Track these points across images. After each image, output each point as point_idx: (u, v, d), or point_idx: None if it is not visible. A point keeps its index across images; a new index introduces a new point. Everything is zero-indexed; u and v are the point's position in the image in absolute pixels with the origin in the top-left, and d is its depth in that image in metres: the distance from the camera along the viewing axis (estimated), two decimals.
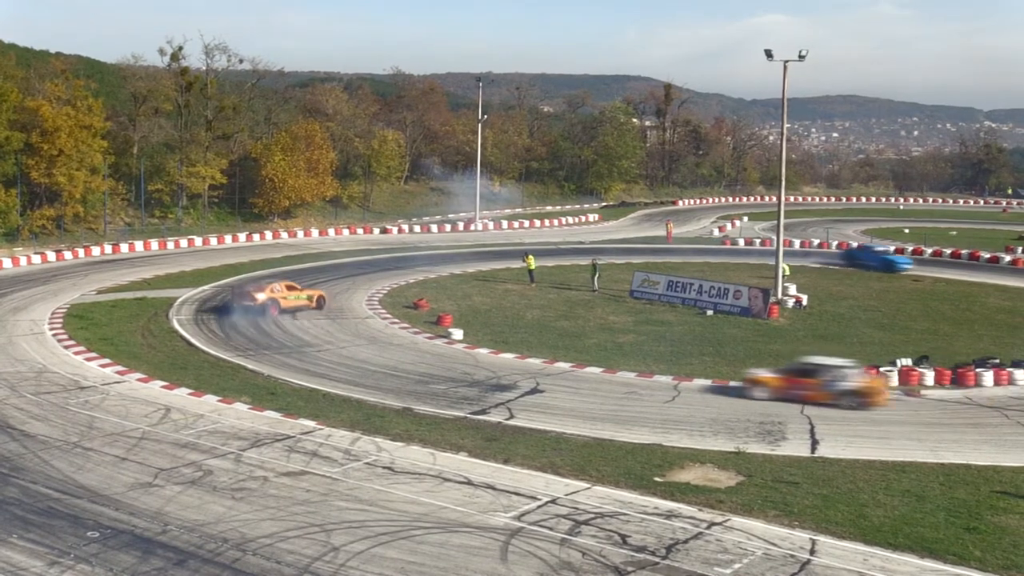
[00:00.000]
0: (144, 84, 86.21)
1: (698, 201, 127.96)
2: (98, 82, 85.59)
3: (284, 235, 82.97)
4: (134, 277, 59.98)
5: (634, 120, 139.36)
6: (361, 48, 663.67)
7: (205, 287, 56.70)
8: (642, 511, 24.23)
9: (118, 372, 37.81)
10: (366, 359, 41.00)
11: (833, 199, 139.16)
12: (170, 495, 24.59)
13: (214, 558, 20.90)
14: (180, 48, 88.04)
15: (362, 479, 26.18)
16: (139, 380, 36.44)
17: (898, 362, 39.87)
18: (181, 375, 37.39)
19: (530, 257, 61.95)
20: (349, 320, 48.98)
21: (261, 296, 49.14)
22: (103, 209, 78.15)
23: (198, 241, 77.14)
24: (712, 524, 23.51)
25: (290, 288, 51.06)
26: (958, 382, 38.62)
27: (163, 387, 35.44)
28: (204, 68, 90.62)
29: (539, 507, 24.28)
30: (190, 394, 34.57)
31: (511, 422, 32.22)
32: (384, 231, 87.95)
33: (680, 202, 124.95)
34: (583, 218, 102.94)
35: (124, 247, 72.54)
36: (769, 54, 53.11)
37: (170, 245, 74.95)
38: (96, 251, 70.29)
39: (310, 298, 51.09)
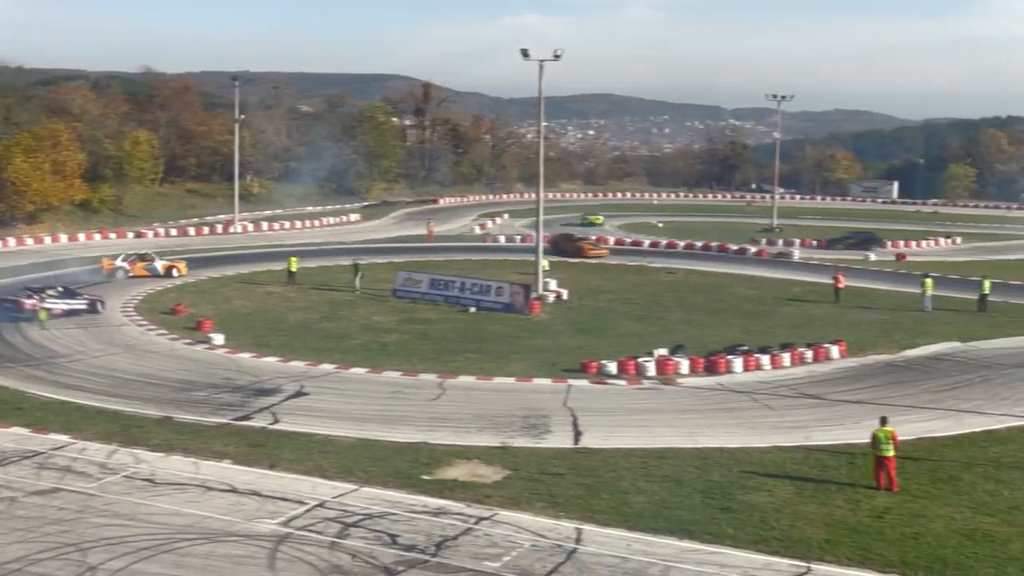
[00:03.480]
0: None
1: (459, 199, 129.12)
2: None
3: (30, 241, 78.73)
4: None
5: (393, 119, 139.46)
6: (109, 45, 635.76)
7: None
8: (411, 510, 24.21)
9: None
10: (122, 368, 39.41)
11: (591, 195, 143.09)
12: None
13: None
14: None
15: (121, 493, 25.13)
16: None
17: (655, 352, 41.25)
18: None
19: (292, 258, 61.07)
20: (103, 328, 47.02)
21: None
22: None
23: None
24: (480, 519, 23.71)
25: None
26: (711, 369, 40.35)
27: None
28: None
29: (307, 511, 23.92)
30: None
31: (276, 427, 31.63)
32: (139, 235, 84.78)
33: (441, 200, 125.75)
34: (344, 218, 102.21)
35: None
36: (525, 53, 54.04)
37: None
38: None
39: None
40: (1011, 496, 26.33)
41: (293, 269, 60.15)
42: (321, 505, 24.38)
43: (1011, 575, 21.53)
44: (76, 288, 52.47)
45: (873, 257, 78.71)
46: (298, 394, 35.65)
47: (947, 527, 23.95)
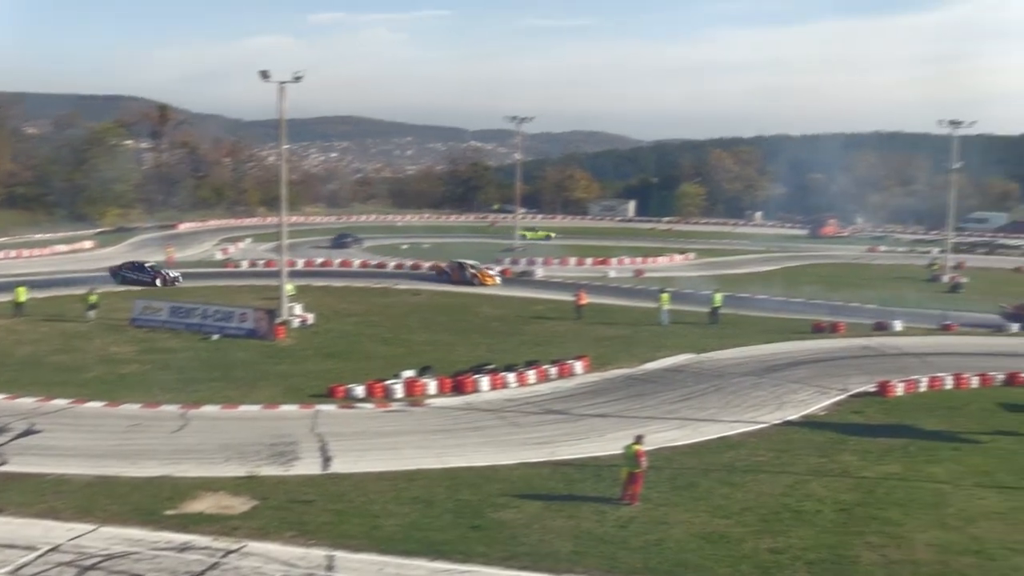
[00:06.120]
0: None
1: (200, 224, 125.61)
2: None
3: None
4: None
5: (128, 142, 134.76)
6: None
7: None
8: (154, 547, 23.24)
9: None
10: None
11: (335, 218, 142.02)
12: None
13: None
14: None
15: None
16: None
17: (402, 374, 41.19)
18: None
19: (20, 289, 57.81)
20: None
21: None
22: None
23: None
24: (228, 552, 23.04)
25: None
26: (458, 389, 40.58)
27: None
28: None
29: (39, 557, 22.55)
30: None
31: (3, 468, 29.70)
32: None
33: (181, 225, 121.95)
34: (77, 245, 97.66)
35: None
36: (265, 75, 53.26)
37: None
38: None
39: None
40: (743, 498, 27.79)
41: (21, 300, 56.88)
42: (55, 549, 23.05)
43: (745, 572, 22.68)
44: (148, 265, 73.12)
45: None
46: (27, 432, 33.59)
47: (687, 531, 24.99)
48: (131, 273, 71.37)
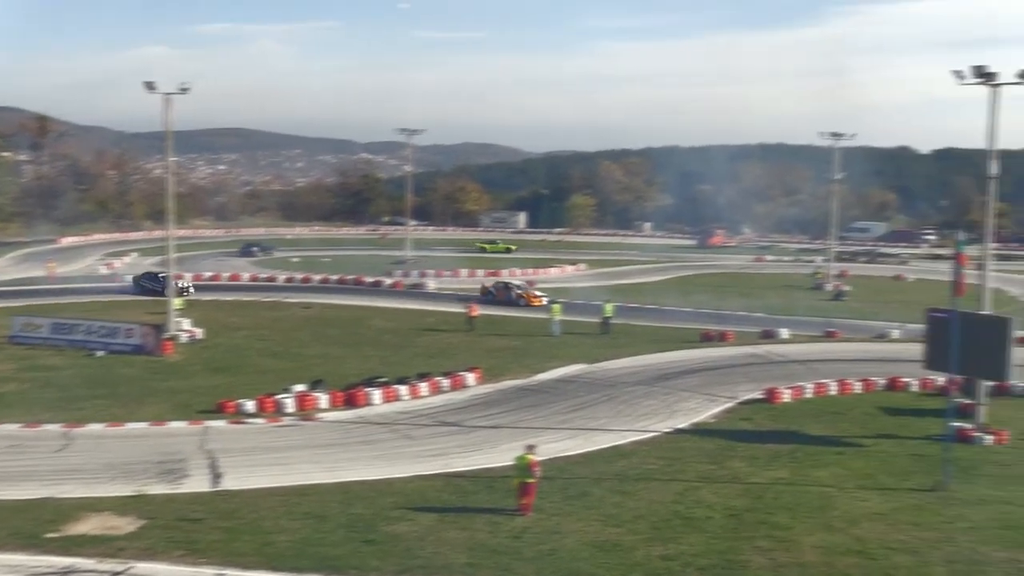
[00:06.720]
0: None
1: (83, 238, 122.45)
2: None
3: None
4: None
5: (5, 154, 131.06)
6: None
7: None
8: (34, 572, 22.59)
9: None
10: None
11: (223, 231, 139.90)
12: None
13: None
14: None
15: None
16: None
17: (293, 388, 40.72)
18: None
19: None
20: None
21: None
22: None
23: None
24: (114, 574, 22.51)
25: None
26: (350, 403, 40.30)
27: None
28: None
29: None
30: None
31: None
32: None
33: (63, 240, 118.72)
34: None
35: None
36: (151, 86, 52.39)
37: None
38: None
39: None
40: (635, 506, 28.06)
41: None
42: None
43: None
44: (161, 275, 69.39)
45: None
46: None
47: (580, 540, 25.13)
48: (148, 283, 72.99)
